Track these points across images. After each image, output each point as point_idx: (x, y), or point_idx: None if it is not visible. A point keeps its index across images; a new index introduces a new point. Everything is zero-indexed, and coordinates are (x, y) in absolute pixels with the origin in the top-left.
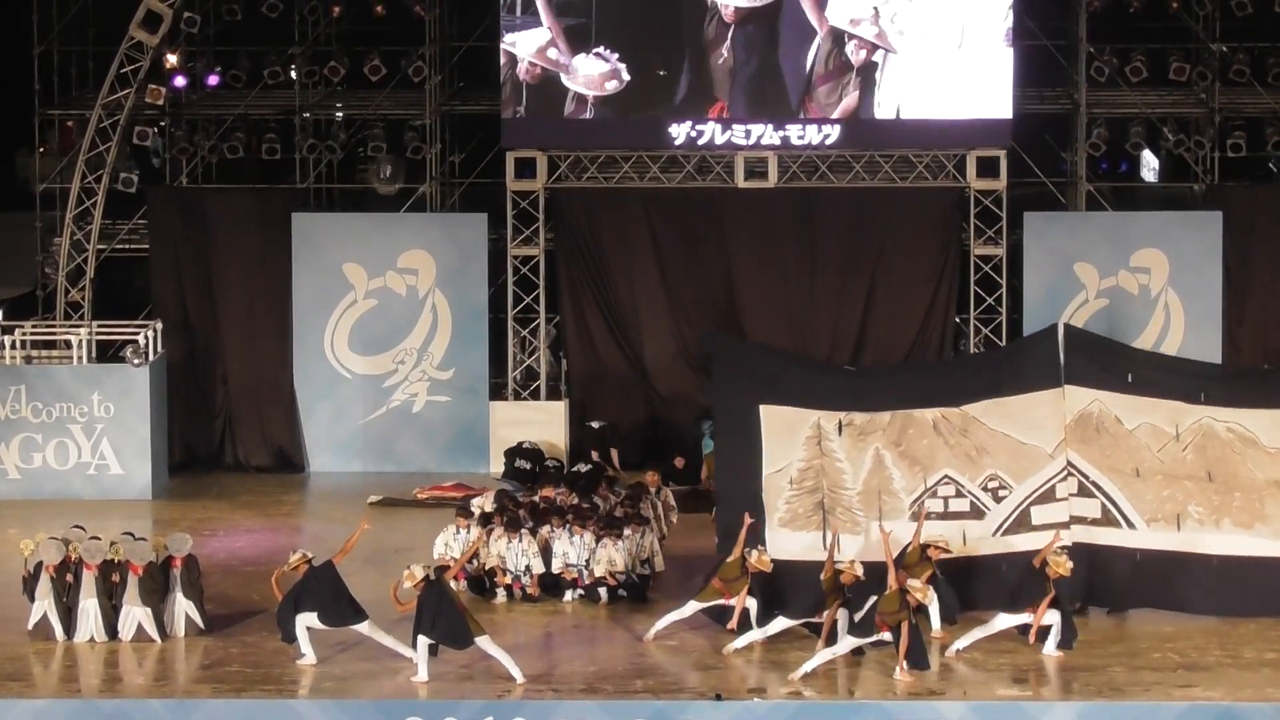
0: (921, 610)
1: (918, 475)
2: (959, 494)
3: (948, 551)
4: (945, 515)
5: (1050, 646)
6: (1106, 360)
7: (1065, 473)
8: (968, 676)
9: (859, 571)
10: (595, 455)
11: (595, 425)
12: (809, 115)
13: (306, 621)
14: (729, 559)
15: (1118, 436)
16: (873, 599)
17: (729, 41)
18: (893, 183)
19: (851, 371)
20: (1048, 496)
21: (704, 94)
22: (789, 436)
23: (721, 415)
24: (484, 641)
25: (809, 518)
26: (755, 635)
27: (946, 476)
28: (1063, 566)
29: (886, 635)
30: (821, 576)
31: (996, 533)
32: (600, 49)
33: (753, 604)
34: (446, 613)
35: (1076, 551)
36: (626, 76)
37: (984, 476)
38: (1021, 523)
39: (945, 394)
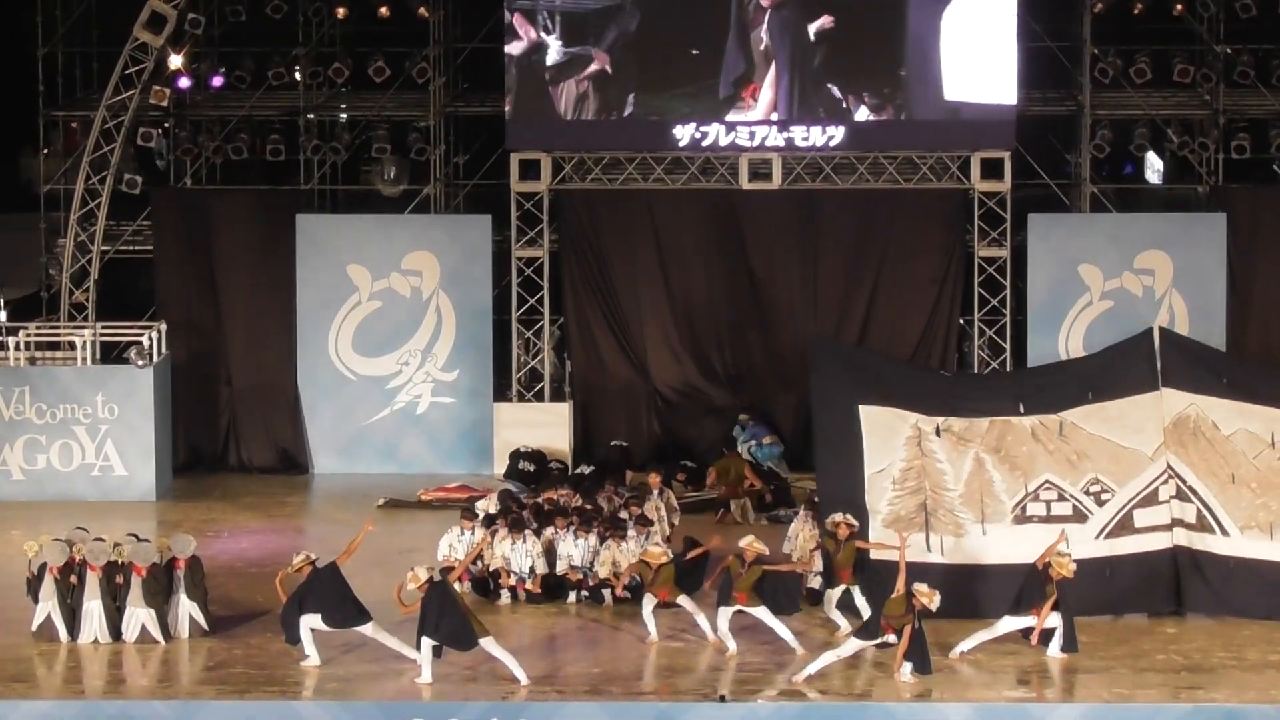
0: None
1: (1019, 479)
2: (1061, 498)
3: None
4: (1048, 519)
5: (1054, 649)
6: (1202, 364)
7: (1166, 475)
8: (972, 678)
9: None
10: (611, 488)
11: (614, 445)
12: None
13: (310, 623)
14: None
15: (1214, 441)
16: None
17: (765, 25)
18: (897, 184)
19: (947, 377)
20: (1150, 499)
21: (739, 75)
22: (889, 437)
23: (822, 415)
24: (488, 643)
25: (911, 519)
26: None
27: (1048, 481)
28: (1065, 568)
29: (892, 638)
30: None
31: (1099, 536)
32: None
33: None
34: (450, 614)
35: (1176, 555)
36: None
37: (1085, 480)
38: (1124, 525)
39: (1042, 402)
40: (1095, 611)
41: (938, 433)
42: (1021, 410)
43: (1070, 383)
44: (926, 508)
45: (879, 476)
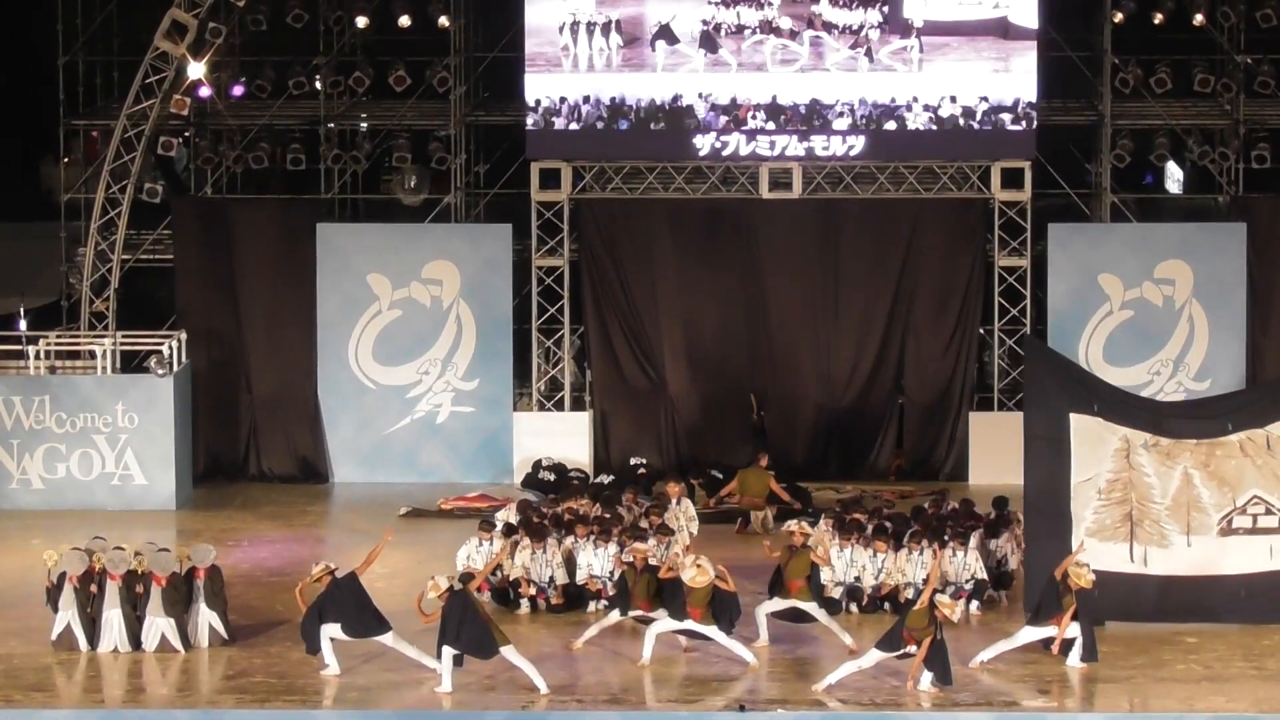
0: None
1: (1226, 494)
2: (1269, 511)
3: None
4: (1253, 530)
5: (1074, 658)
6: None
7: None
8: (992, 688)
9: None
10: (630, 496)
11: (633, 463)
12: None
13: (331, 633)
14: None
15: None
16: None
17: None
18: (917, 194)
19: (1155, 401)
20: None
21: None
22: (1097, 447)
23: (1032, 418)
24: (508, 651)
25: (1116, 529)
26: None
27: (1256, 496)
28: (1083, 579)
29: (913, 649)
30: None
31: None
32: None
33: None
34: (471, 623)
35: None
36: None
37: None
38: None
39: (1249, 418)
40: None
41: (1146, 447)
42: (1230, 429)
43: (1278, 397)
44: (1132, 518)
45: (1085, 485)
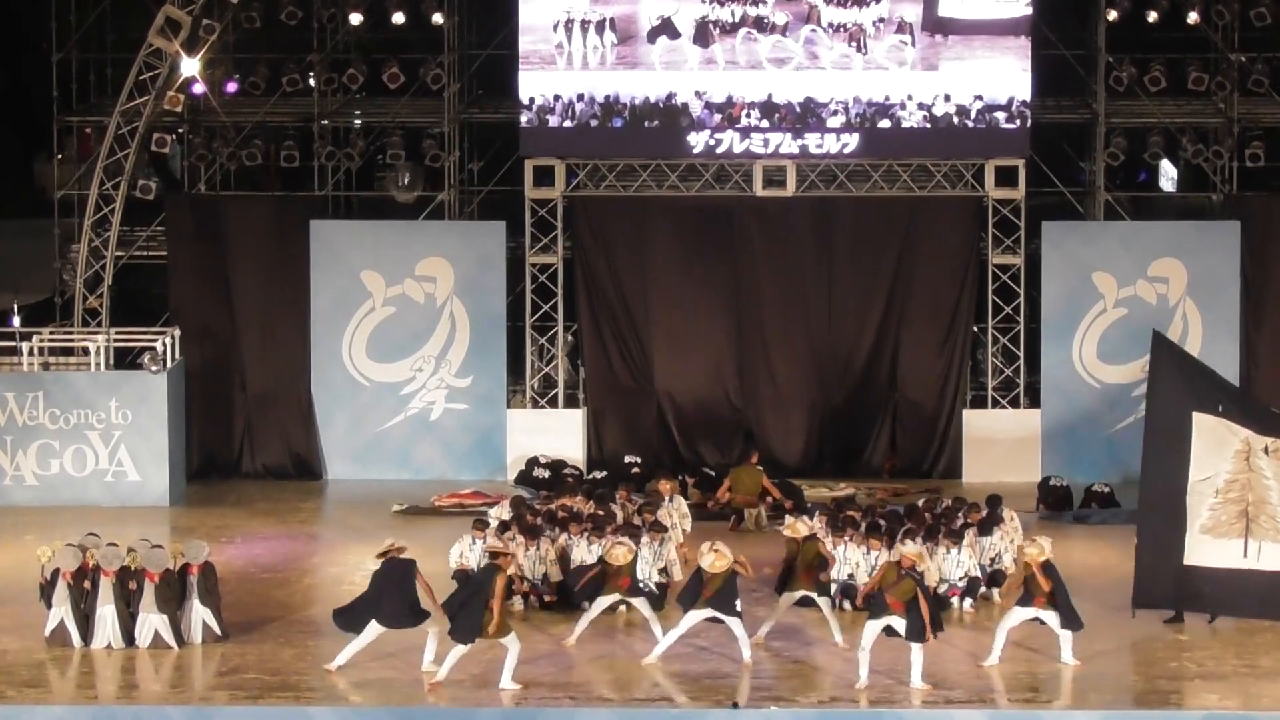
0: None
1: None
2: None
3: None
4: None
5: (1067, 655)
6: None
7: None
8: (985, 686)
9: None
10: (623, 493)
11: (628, 460)
12: None
13: (375, 631)
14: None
15: None
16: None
17: None
18: (911, 191)
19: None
20: None
21: None
22: (1218, 447)
23: (1154, 414)
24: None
25: (1232, 525)
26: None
27: None
28: (1035, 559)
29: (898, 618)
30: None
31: None
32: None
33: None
34: (470, 606)
35: None
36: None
37: None
38: None
39: None
40: None
41: (1266, 451)
42: None
43: None
44: (1247, 514)
45: (1203, 484)
